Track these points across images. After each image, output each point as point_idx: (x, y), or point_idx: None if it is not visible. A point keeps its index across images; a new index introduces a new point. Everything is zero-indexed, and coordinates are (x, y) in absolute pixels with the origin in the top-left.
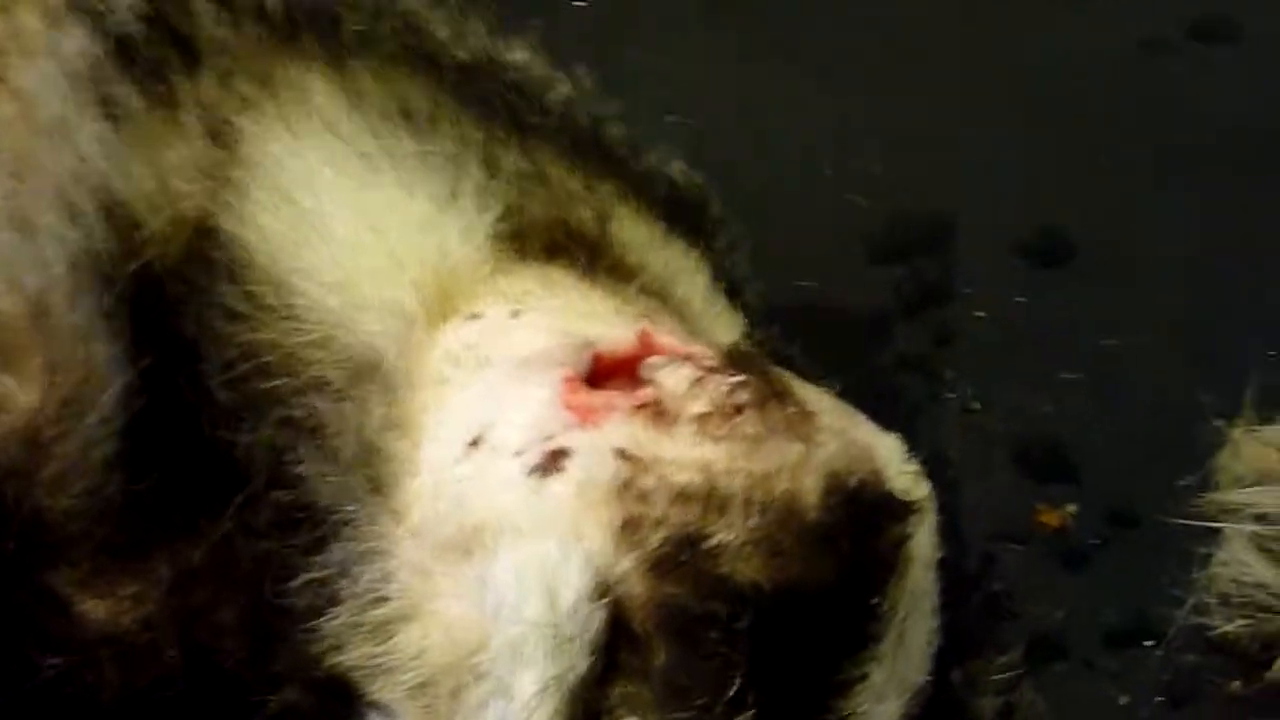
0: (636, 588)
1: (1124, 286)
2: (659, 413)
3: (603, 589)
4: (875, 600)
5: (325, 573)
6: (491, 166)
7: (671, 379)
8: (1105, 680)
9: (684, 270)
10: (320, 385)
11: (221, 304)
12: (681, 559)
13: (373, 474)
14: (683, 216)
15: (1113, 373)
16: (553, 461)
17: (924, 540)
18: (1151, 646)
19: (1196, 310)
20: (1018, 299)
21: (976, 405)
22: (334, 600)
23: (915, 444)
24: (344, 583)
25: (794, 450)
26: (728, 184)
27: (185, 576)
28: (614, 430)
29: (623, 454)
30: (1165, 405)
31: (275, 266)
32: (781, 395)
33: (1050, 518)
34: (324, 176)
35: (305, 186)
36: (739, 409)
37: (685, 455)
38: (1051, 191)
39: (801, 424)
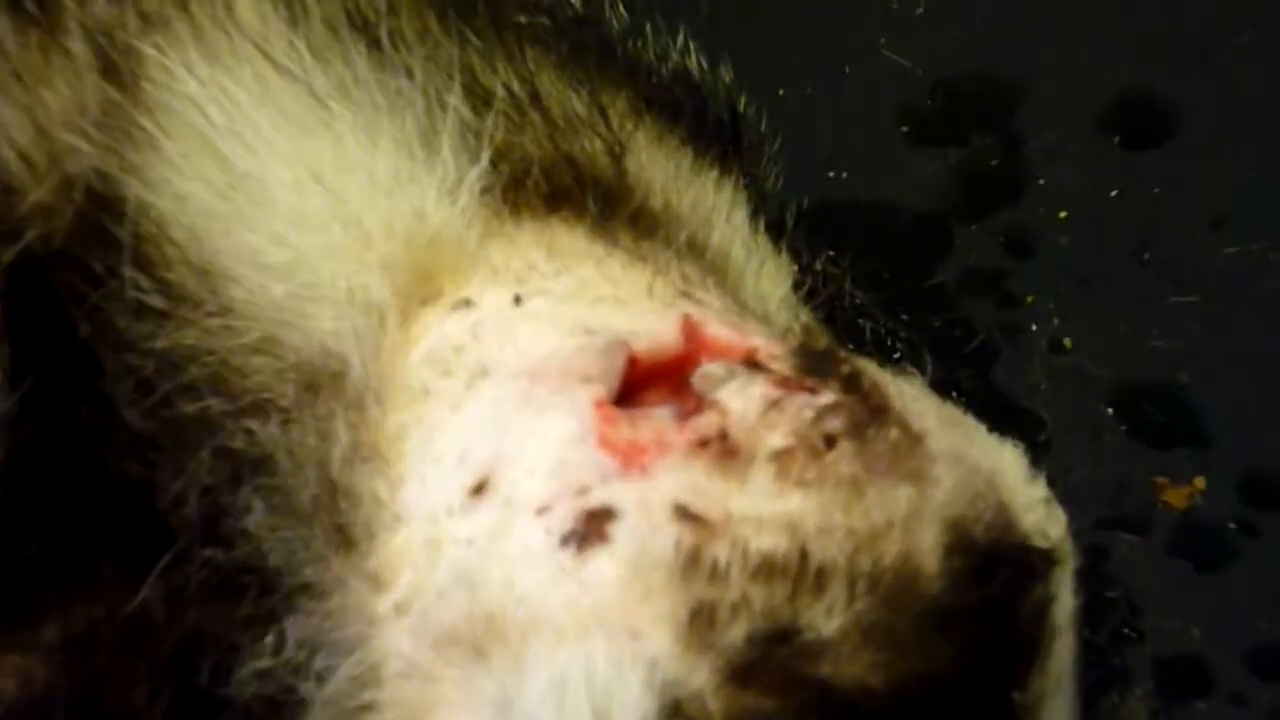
0: (713, 703)
1: (1245, 169)
2: (726, 449)
3: (671, 709)
4: (1014, 693)
5: (280, 659)
6: (475, 95)
7: (739, 400)
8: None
9: (718, 209)
10: (263, 405)
11: (128, 299)
12: (771, 661)
13: (339, 523)
14: (710, 134)
15: (1242, 290)
16: (593, 527)
17: (1067, 598)
18: None
19: None
20: (1111, 192)
21: (1067, 342)
22: (294, 702)
23: (990, 394)
24: (308, 678)
25: (905, 496)
26: (730, 41)
27: (82, 652)
28: (670, 478)
29: (684, 512)
30: None
31: (198, 246)
32: (880, 413)
33: (1174, 496)
34: (257, 121)
35: (233, 136)
36: (830, 440)
37: (766, 510)
38: (1147, 47)
39: (910, 454)
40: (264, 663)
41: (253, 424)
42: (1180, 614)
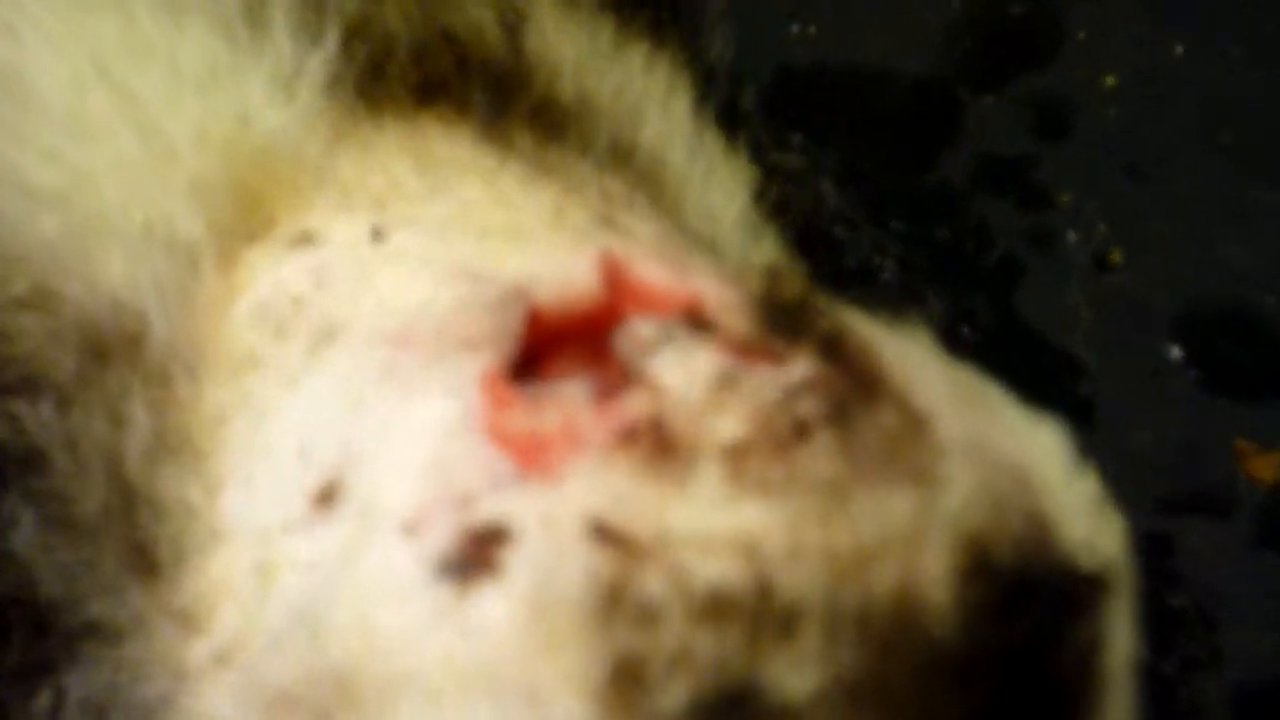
0: None
1: None
2: (661, 443)
3: None
4: None
5: None
6: None
7: (677, 372)
8: None
9: (650, 97)
10: (33, 379)
11: None
12: None
13: (136, 541)
14: None
15: None
16: (479, 552)
17: (1123, 637)
18: None
19: None
20: (1175, 48)
21: (1117, 255)
22: None
23: (1013, 330)
24: None
25: (904, 503)
26: None
27: None
28: (584, 483)
29: (604, 531)
30: None
31: None
32: (872, 390)
33: (1261, 465)
34: None
35: None
36: (803, 428)
37: (714, 525)
38: None
39: (911, 445)
40: None
41: (18, 406)
42: (1269, 627)
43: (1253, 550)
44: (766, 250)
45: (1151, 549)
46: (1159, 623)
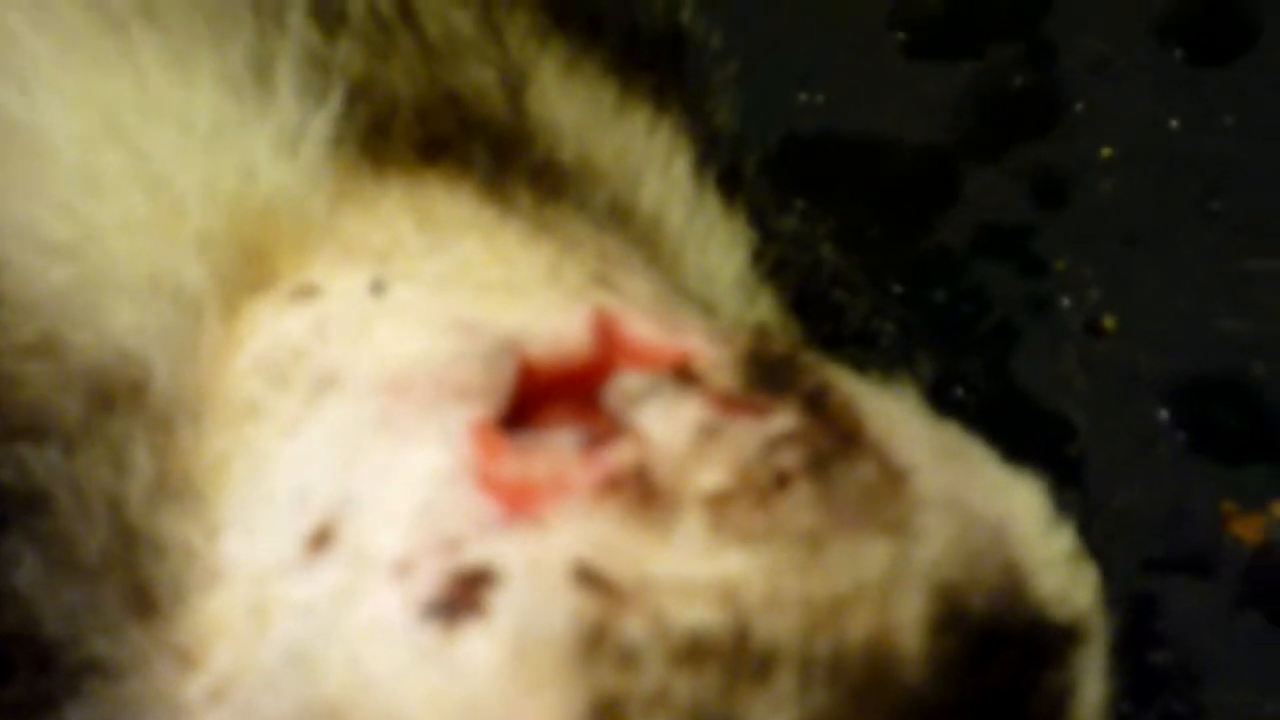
0: None
1: None
2: (645, 491)
3: None
4: None
5: None
6: (325, 12)
7: (663, 424)
8: None
9: (651, 160)
10: (41, 424)
11: None
12: None
13: (137, 581)
14: (642, 58)
15: None
16: (466, 594)
17: (1094, 688)
18: None
19: None
20: (1171, 121)
21: (1110, 322)
22: None
23: (1007, 393)
24: None
25: (880, 554)
26: None
27: None
28: (569, 529)
29: (587, 575)
30: None
31: None
32: (852, 444)
33: (1246, 526)
34: (34, 52)
35: (3, 74)
36: (783, 480)
37: (695, 572)
38: None
39: (888, 498)
40: None
41: (24, 450)
42: (1253, 684)
43: (1236, 610)
44: (762, 311)
45: (1137, 608)
46: (1142, 679)
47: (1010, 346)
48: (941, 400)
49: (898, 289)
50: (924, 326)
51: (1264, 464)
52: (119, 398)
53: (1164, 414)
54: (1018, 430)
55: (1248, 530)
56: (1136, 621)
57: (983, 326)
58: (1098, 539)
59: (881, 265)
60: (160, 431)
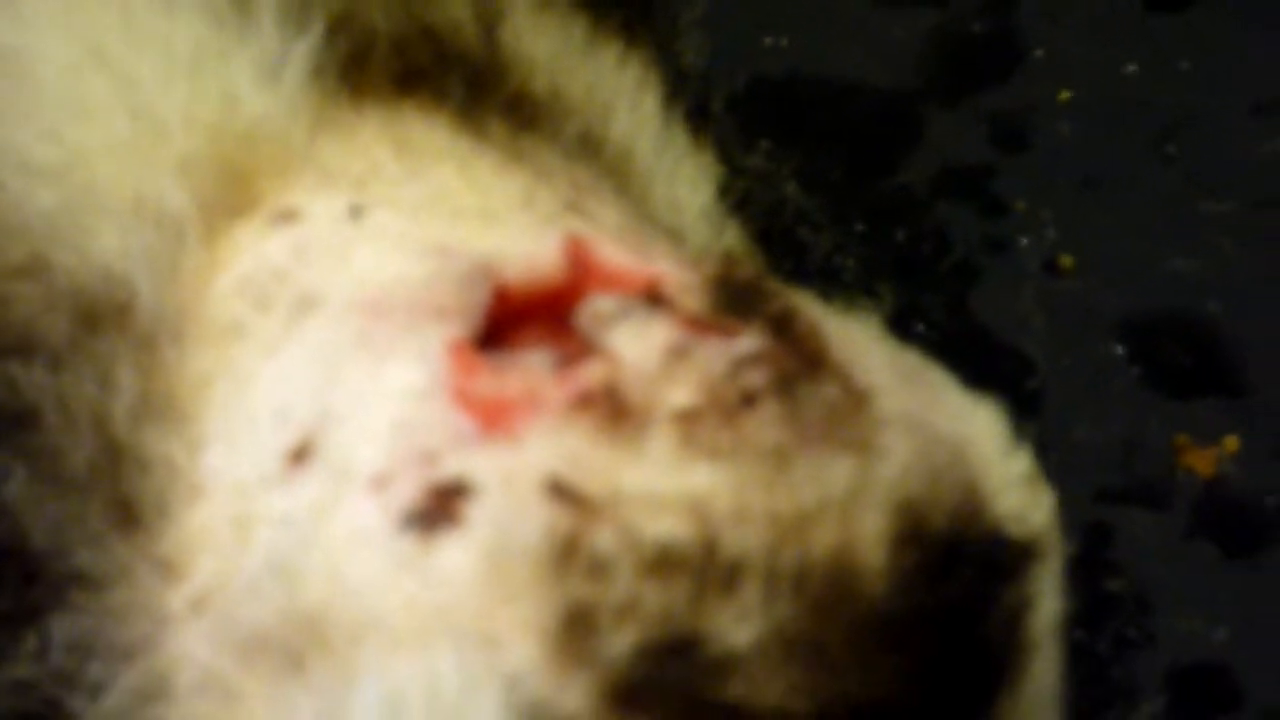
0: None
1: None
2: (616, 408)
3: None
4: None
5: (43, 666)
6: None
7: (634, 344)
8: None
9: (620, 94)
10: (28, 343)
11: None
12: (666, 679)
13: (122, 495)
14: None
15: None
16: (442, 505)
17: (1049, 603)
18: None
19: None
20: (1127, 66)
21: (1067, 261)
22: (57, 718)
23: (968, 328)
24: (78, 690)
25: (843, 470)
26: None
27: None
28: (543, 444)
29: (560, 489)
30: None
31: None
32: (816, 365)
33: (1199, 459)
34: None
35: None
36: (750, 398)
37: (664, 486)
38: None
39: (852, 417)
40: (22, 670)
41: (13, 367)
42: (1203, 611)
43: (1188, 540)
44: (729, 242)
45: (1091, 537)
46: (1096, 606)
47: (970, 284)
48: (904, 335)
49: (861, 228)
50: (886, 264)
51: (1216, 399)
52: (104, 317)
53: (1119, 350)
54: (977, 365)
55: (1200, 463)
56: (1091, 550)
57: (944, 265)
58: (1054, 470)
59: (845, 204)
60: (144, 351)
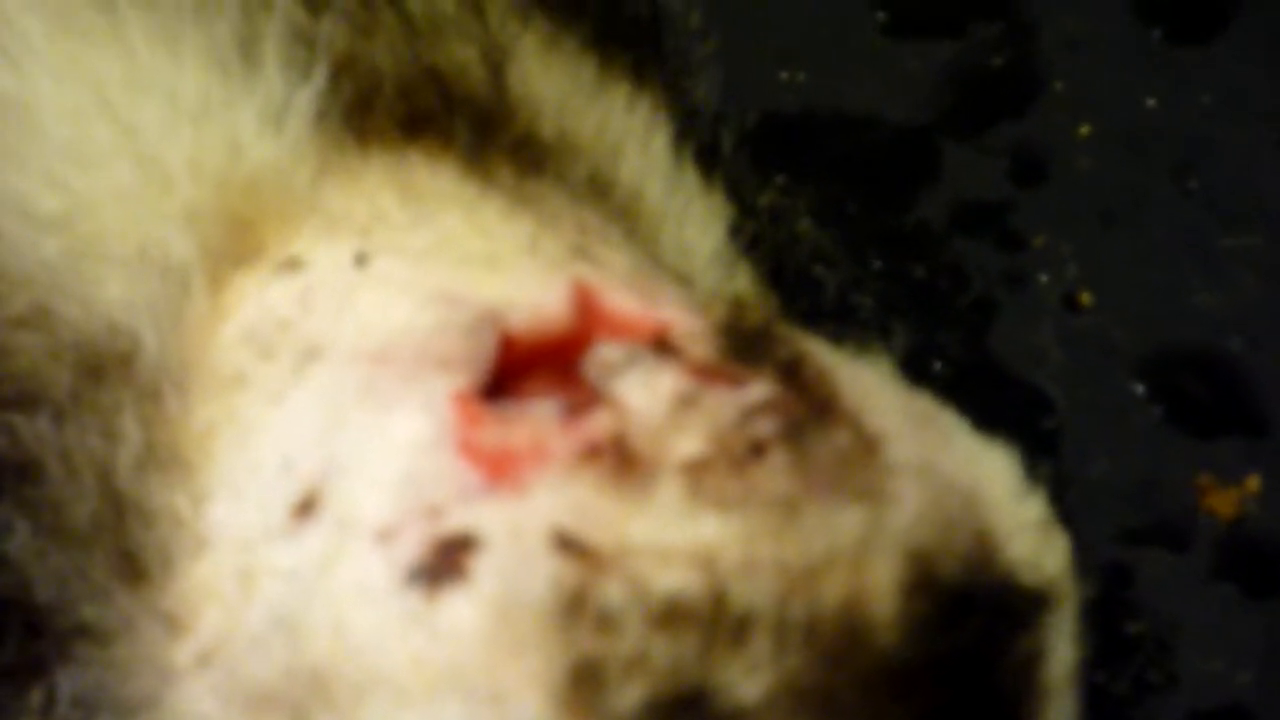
0: None
1: None
2: (624, 459)
3: None
4: None
5: None
6: None
7: (642, 394)
8: None
9: (630, 135)
10: (31, 394)
11: None
12: None
13: (127, 548)
14: (622, 35)
15: None
16: (448, 559)
17: (1063, 651)
18: None
19: None
20: (1148, 99)
21: (1086, 297)
22: None
23: (985, 366)
24: None
25: (853, 520)
26: None
27: None
28: (549, 496)
29: (567, 541)
30: None
31: None
32: (826, 412)
33: (1220, 499)
34: (24, 29)
35: None
36: (759, 448)
37: (672, 537)
38: None
39: (862, 465)
40: None
41: (16, 419)
42: (1225, 653)
43: (1210, 582)
44: (740, 284)
45: (1112, 578)
46: (1116, 648)
47: (988, 321)
48: (920, 373)
49: (878, 264)
50: (903, 301)
51: (1238, 438)
52: (108, 368)
53: (1139, 388)
54: (995, 403)
55: (1223, 504)
56: (1111, 592)
57: (961, 301)
58: (1073, 510)
59: (862, 240)
60: (149, 401)
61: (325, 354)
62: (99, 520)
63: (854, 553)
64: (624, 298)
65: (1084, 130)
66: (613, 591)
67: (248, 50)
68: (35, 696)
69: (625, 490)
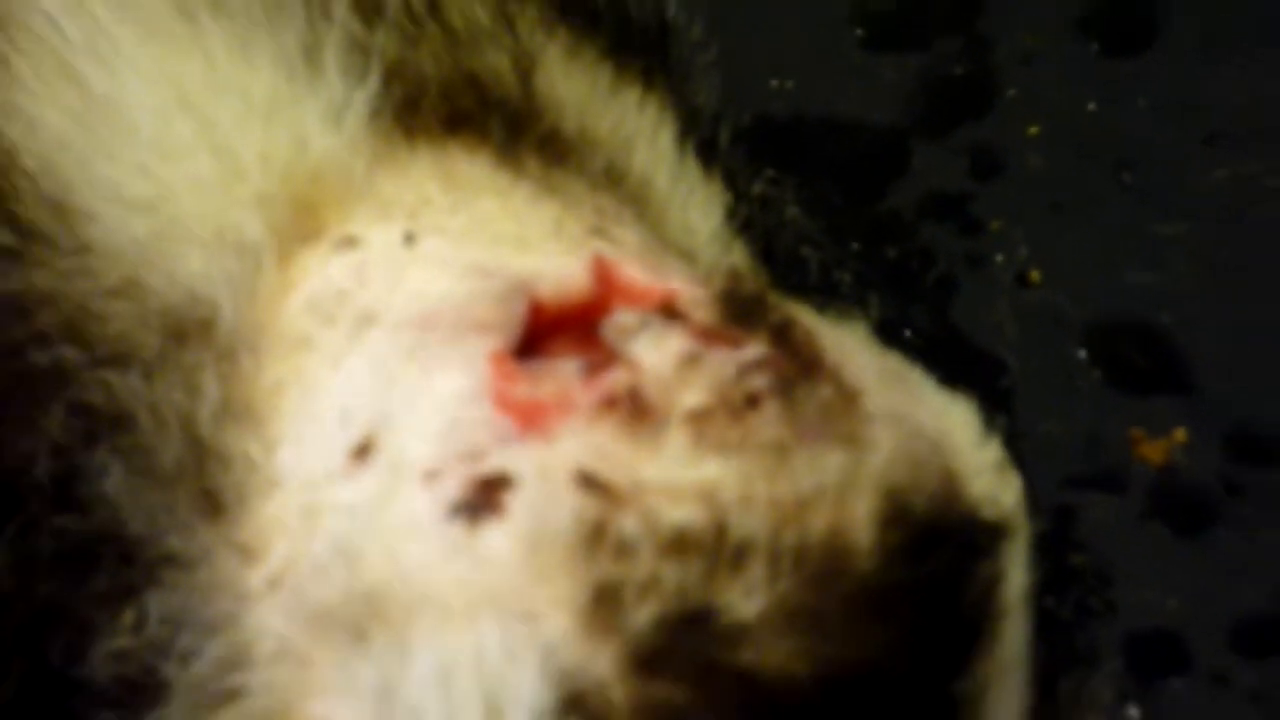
0: (618, 693)
1: (1240, 79)
2: (637, 410)
3: (572, 699)
4: (955, 683)
5: (140, 638)
6: (365, 5)
7: (652, 353)
8: (1241, 701)
9: (641, 132)
10: (124, 354)
11: None
12: (683, 647)
13: (206, 488)
14: (634, 45)
15: (1232, 218)
16: (486, 496)
17: (1017, 576)
18: None
19: None
20: (1089, 104)
21: (1036, 275)
22: (155, 684)
23: (948, 334)
24: (171, 658)
25: (836, 461)
26: None
27: None
28: (573, 441)
29: (588, 480)
30: None
31: (52, 177)
32: (812, 369)
33: (1152, 450)
34: (118, 38)
35: (91, 55)
36: (754, 399)
37: (680, 477)
38: None
39: (843, 414)
40: (122, 641)
41: (111, 376)
42: (1156, 583)
43: (1143, 521)
44: (736, 260)
45: (1058, 518)
46: (1061, 579)
47: (951, 296)
48: (892, 340)
49: (856, 246)
50: (878, 278)
51: (1167, 396)
52: (190, 333)
53: (1082, 353)
54: (957, 367)
55: (1153, 453)
56: (1057, 530)
57: (928, 278)
58: (1024, 459)
59: (842, 225)
60: (225, 361)
61: (378, 320)
62: (183, 464)
63: (837, 490)
64: (637, 270)
65: (1034, 131)
66: (628, 524)
67: (311, 57)
68: (128, 616)
69: (639, 436)
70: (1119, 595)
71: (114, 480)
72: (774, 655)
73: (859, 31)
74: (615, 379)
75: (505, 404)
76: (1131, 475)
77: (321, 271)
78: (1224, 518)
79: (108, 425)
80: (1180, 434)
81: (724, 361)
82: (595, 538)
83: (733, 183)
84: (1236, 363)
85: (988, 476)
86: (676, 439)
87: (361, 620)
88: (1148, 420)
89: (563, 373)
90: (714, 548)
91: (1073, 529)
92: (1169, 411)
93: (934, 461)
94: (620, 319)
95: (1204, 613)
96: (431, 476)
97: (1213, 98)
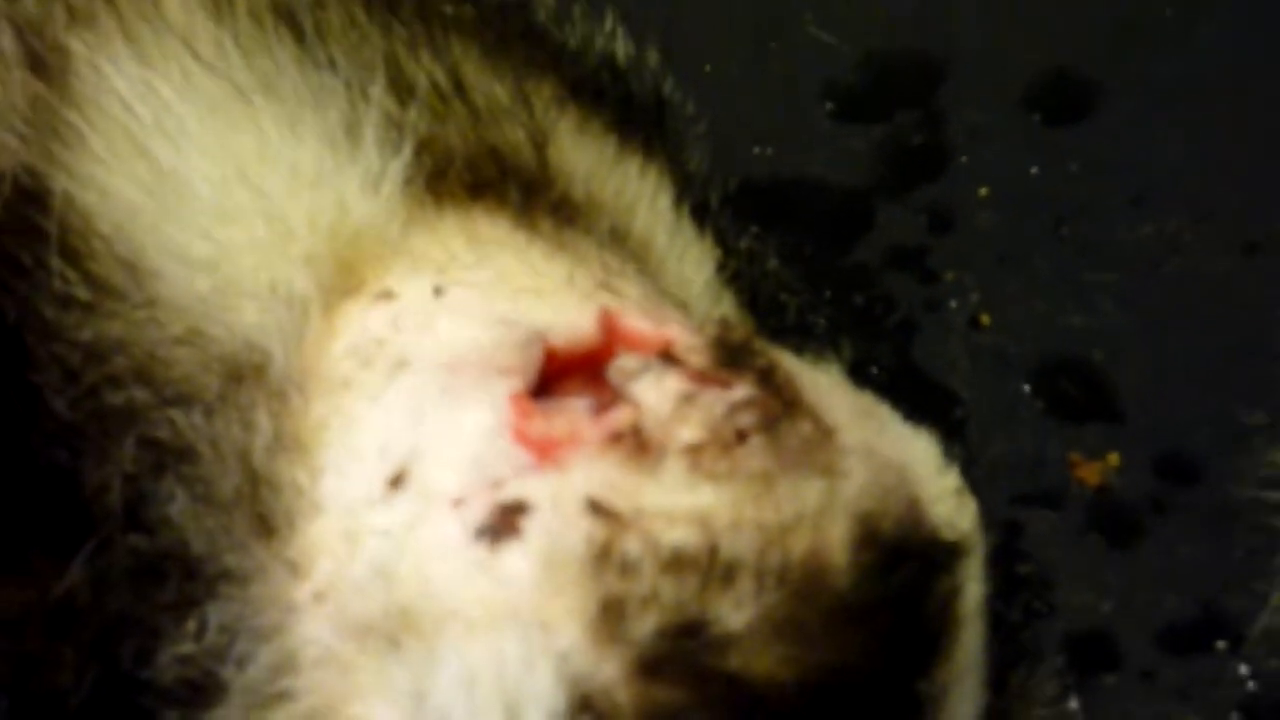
0: (622, 695)
1: (1164, 147)
2: (639, 444)
3: (582, 701)
4: (920, 684)
5: (201, 644)
6: (399, 86)
7: (652, 393)
8: (1167, 696)
9: (641, 196)
10: (188, 395)
11: (55, 290)
12: (680, 654)
13: (260, 511)
14: (635, 120)
15: (1156, 269)
16: (506, 521)
17: (974, 589)
18: (1225, 650)
19: (1264, 179)
20: (1031, 169)
21: (986, 318)
22: (214, 686)
23: (909, 371)
24: (228, 663)
25: (814, 490)
26: (657, 18)
27: (14, 635)
28: (583, 473)
29: (596, 506)
30: (1228, 313)
31: (124, 239)
32: (793, 408)
33: (1088, 472)
34: (182, 116)
35: (158, 132)
36: (742, 435)
37: (677, 503)
38: (1070, 24)
39: (821, 448)
40: (185, 647)
41: (176, 414)
42: (1091, 589)
43: (1081, 534)
44: (725, 308)
45: (1005, 533)
46: (1009, 585)
47: (911, 337)
48: (860, 377)
49: (828, 294)
50: (847, 322)
51: (1101, 424)
52: (246, 376)
53: (1026, 387)
54: (916, 400)
55: (1090, 475)
56: (1005, 542)
57: (890, 322)
58: (977, 481)
59: (815, 276)
60: (277, 400)
61: (411, 364)
62: (239, 491)
63: (815, 515)
64: (638, 320)
65: (983, 192)
66: (632, 545)
67: (352, 133)
68: (191, 625)
69: (641, 467)
70: (1059, 599)
71: (179, 505)
72: (761, 661)
73: (829, 105)
74: (620, 416)
75: (523, 439)
76: (1070, 494)
77: (361, 321)
78: (1152, 532)
79: (173, 457)
80: (1113, 458)
81: (716, 401)
82: (602, 558)
83: (722, 239)
84: (1162, 395)
85: (948, 502)
86: (674, 470)
87: (396, 631)
88: (1084, 445)
89: (573, 411)
90: (707, 566)
91: (1019, 541)
92: (1103, 438)
93: (901, 489)
94: (624, 363)
95: (1134, 616)
96: (458, 503)
97: (1140, 163)
